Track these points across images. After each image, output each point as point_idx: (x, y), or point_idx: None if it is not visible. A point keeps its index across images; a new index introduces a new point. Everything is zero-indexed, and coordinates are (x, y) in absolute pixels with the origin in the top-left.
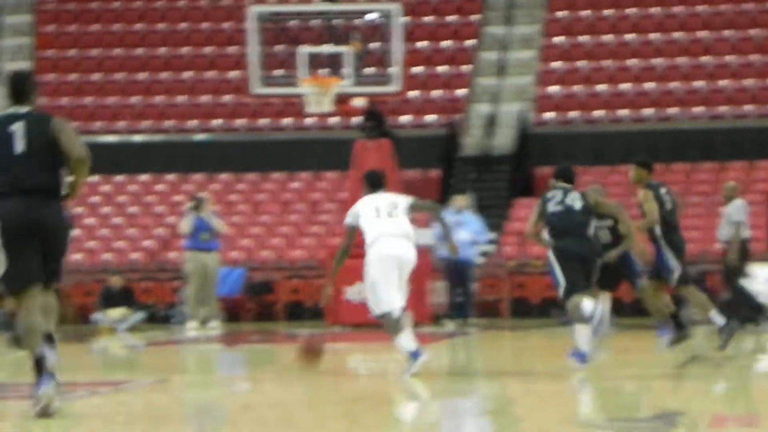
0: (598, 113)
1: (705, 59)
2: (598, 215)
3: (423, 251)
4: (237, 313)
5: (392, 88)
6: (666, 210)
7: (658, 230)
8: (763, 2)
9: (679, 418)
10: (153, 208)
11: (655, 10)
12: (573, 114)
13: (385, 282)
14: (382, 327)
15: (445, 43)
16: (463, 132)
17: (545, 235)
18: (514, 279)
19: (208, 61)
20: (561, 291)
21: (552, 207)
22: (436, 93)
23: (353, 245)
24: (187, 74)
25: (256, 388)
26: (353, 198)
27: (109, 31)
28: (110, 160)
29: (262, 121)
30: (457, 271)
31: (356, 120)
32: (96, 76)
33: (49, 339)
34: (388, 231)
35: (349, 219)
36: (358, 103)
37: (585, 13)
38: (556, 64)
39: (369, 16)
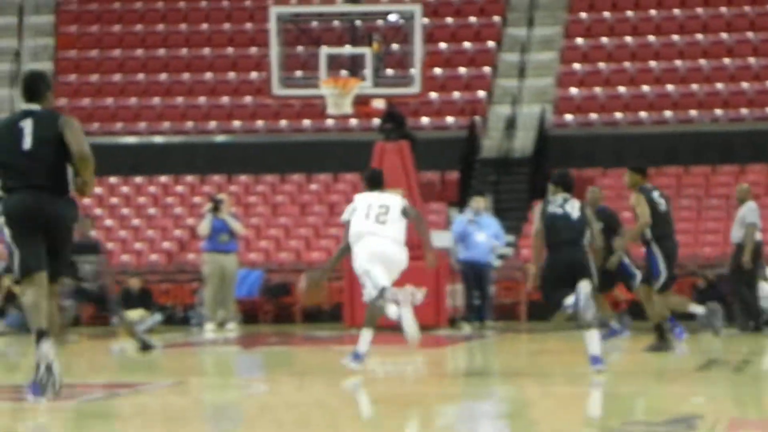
0: (618, 115)
1: (726, 61)
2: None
3: (441, 254)
4: (255, 315)
5: (412, 89)
6: (659, 214)
7: (649, 234)
8: None
9: (697, 422)
10: (172, 210)
11: (676, 11)
12: (593, 116)
13: (374, 267)
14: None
15: (466, 45)
16: (482, 134)
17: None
18: None
19: (228, 62)
20: (545, 297)
21: (551, 209)
22: (456, 94)
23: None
24: (207, 75)
25: (273, 390)
26: None
27: (130, 31)
28: (130, 161)
29: (282, 123)
30: (474, 274)
31: (376, 121)
32: (117, 77)
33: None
34: (374, 231)
35: (346, 216)
36: (378, 104)
37: (606, 14)
38: (577, 66)
39: (390, 18)
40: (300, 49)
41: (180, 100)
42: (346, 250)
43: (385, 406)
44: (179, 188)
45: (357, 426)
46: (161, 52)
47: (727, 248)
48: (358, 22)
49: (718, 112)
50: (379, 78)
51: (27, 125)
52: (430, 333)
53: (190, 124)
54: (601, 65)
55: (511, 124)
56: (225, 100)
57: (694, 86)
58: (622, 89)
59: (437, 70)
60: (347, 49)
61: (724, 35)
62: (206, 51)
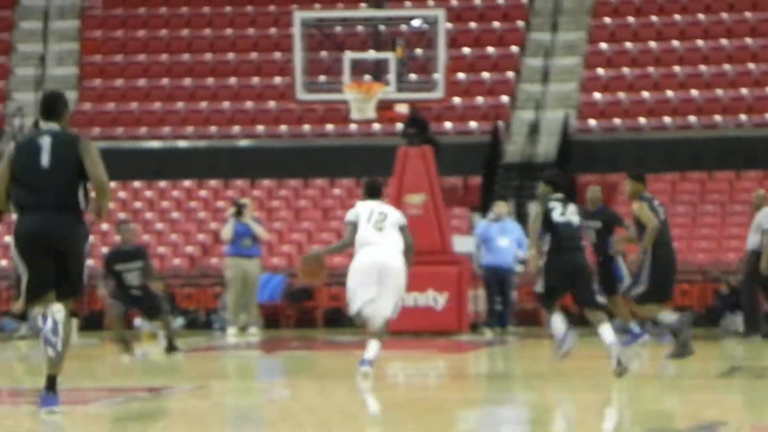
0: (642, 120)
1: (751, 66)
2: (587, 215)
3: (463, 259)
4: (277, 319)
5: (436, 94)
6: (660, 222)
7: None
8: None
9: (720, 429)
10: (195, 214)
11: (701, 16)
12: (617, 121)
13: (361, 291)
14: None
15: (489, 50)
16: (505, 139)
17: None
18: None
19: (252, 67)
20: (540, 299)
21: (556, 218)
22: (479, 99)
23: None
24: (231, 80)
25: (295, 394)
26: (395, 205)
27: (154, 36)
28: (154, 166)
29: (306, 128)
30: (496, 279)
31: (399, 126)
32: (141, 82)
33: (50, 381)
34: (374, 240)
35: (350, 217)
36: (402, 109)
37: (630, 19)
38: (601, 71)
39: (413, 23)
40: (324, 54)
41: (204, 104)
42: (345, 247)
43: (407, 411)
44: (203, 193)
45: (378, 431)
46: (185, 57)
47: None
48: (381, 27)
49: (743, 117)
50: (402, 83)
51: (45, 144)
52: (452, 338)
53: (213, 128)
54: (625, 70)
55: (534, 130)
56: (249, 104)
57: (719, 91)
58: (646, 94)
59: (461, 75)
60: (371, 54)
61: (748, 40)
62: (230, 56)
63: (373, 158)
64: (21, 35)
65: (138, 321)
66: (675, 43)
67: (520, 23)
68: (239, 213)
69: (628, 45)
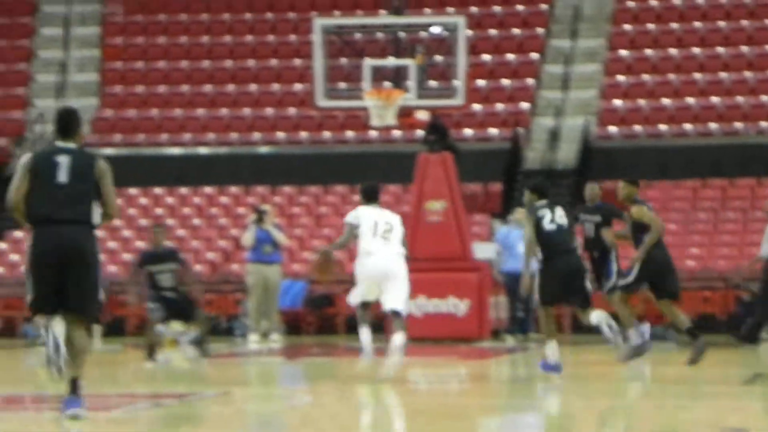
0: (662, 127)
1: None
2: (587, 210)
3: (484, 265)
4: (298, 326)
5: (456, 101)
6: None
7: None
8: None
9: None
10: (216, 221)
11: (721, 23)
12: (637, 128)
13: (362, 285)
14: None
15: (509, 56)
16: (525, 145)
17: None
18: None
19: (273, 73)
20: (536, 301)
21: (547, 226)
22: (499, 106)
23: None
24: (252, 87)
25: (316, 401)
26: (415, 211)
27: (175, 43)
28: (175, 172)
29: (326, 134)
30: (518, 286)
31: (419, 133)
32: (162, 89)
33: (73, 385)
34: (380, 250)
35: (351, 219)
36: (422, 116)
37: (650, 26)
38: (621, 78)
39: (433, 29)
40: (344, 60)
41: (224, 111)
42: (340, 246)
43: (428, 418)
44: (223, 199)
45: None
46: (206, 63)
47: None
48: (401, 34)
49: (764, 124)
50: (422, 90)
51: (64, 161)
52: (473, 345)
53: (234, 135)
54: (645, 77)
55: (554, 136)
56: (269, 111)
57: (739, 98)
58: (666, 101)
59: (480, 82)
60: (391, 61)
61: None
62: (251, 63)
63: (393, 165)
64: (42, 42)
65: (160, 327)
66: (695, 49)
67: (540, 30)
68: (260, 219)
69: (648, 52)
